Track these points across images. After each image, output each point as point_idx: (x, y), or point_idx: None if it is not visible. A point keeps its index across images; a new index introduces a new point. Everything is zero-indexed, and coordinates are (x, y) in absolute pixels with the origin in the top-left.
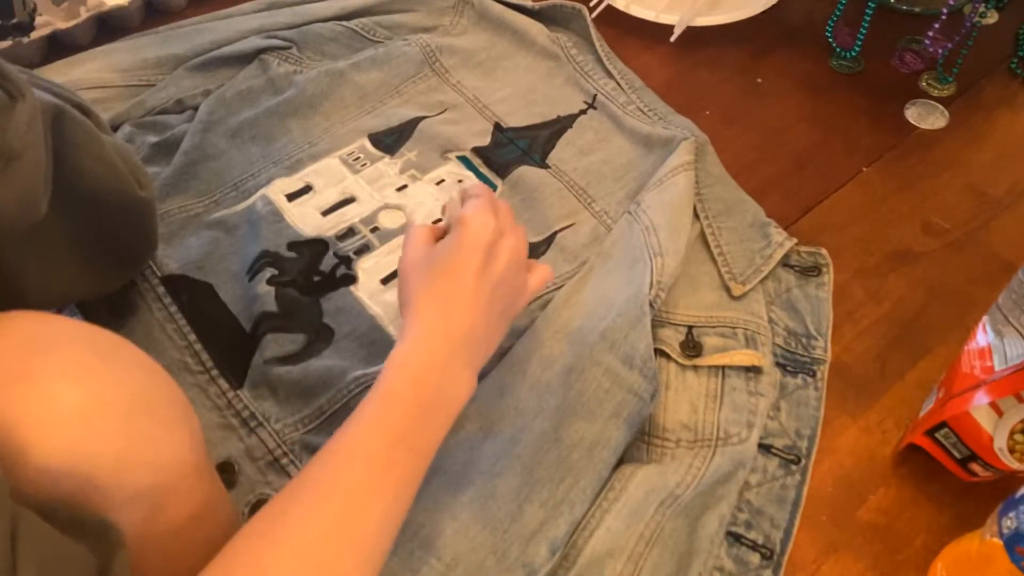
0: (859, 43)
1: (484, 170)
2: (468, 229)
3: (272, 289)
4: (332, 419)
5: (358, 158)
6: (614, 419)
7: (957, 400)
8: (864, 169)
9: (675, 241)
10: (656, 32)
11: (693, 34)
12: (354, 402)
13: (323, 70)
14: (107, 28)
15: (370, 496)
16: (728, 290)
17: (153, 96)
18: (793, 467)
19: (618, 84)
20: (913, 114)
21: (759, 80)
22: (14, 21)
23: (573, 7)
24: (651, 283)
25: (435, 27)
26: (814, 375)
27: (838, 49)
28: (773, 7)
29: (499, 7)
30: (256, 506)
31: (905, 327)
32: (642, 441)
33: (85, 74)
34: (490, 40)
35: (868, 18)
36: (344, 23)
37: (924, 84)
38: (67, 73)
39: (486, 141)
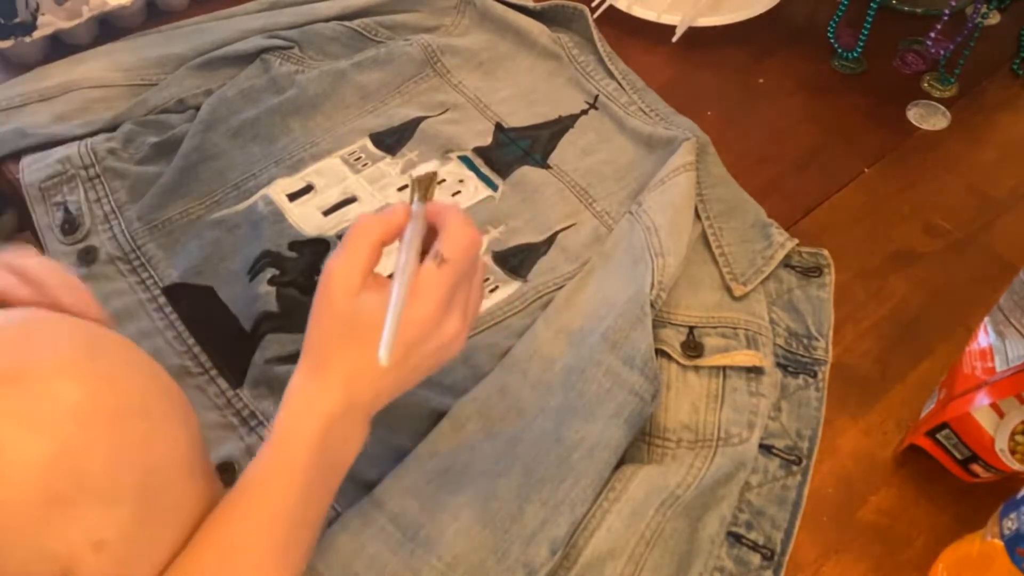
0: (861, 44)
1: (485, 170)
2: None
3: (273, 289)
4: None
5: (359, 158)
6: (615, 419)
7: (958, 401)
8: (866, 170)
9: (676, 241)
10: (658, 33)
11: (695, 35)
12: None
13: (325, 70)
14: (109, 28)
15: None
16: (729, 291)
17: (155, 95)
18: (794, 468)
19: (619, 85)
20: (915, 115)
21: (761, 81)
22: (16, 20)
23: (575, 8)
24: (652, 283)
25: (437, 27)
26: (815, 376)
27: (840, 50)
28: (775, 8)
29: (501, 7)
30: None
31: (906, 328)
32: (643, 441)
33: (87, 73)
34: (492, 40)
35: (870, 19)
36: (346, 23)
37: (926, 85)
38: (69, 72)
39: (487, 141)
